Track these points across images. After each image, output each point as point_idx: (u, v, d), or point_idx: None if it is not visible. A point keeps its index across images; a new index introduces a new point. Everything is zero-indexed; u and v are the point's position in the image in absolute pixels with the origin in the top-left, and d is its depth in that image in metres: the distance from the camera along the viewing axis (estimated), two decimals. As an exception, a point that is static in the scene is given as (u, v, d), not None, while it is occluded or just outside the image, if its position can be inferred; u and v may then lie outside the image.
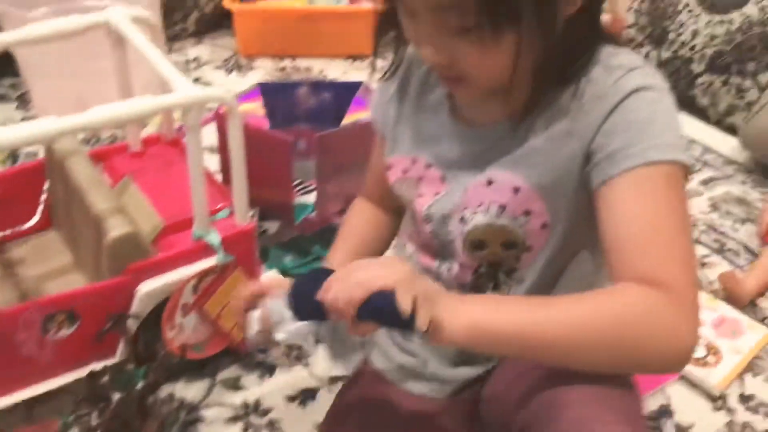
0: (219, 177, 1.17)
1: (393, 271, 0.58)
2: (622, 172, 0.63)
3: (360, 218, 0.88)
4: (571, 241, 0.71)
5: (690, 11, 1.65)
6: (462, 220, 0.72)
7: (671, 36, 1.68)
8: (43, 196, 1.09)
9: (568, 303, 0.61)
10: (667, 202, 0.63)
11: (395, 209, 0.85)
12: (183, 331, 0.95)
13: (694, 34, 1.64)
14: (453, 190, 0.73)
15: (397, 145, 0.77)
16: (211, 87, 1.61)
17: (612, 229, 0.63)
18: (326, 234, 1.14)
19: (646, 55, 1.72)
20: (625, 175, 0.63)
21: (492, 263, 0.73)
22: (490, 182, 0.69)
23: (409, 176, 0.76)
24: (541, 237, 0.70)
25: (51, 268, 1.05)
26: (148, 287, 0.91)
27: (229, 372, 1.04)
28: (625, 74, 0.65)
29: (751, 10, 1.56)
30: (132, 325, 0.92)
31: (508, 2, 0.58)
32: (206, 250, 0.94)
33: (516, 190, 0.68)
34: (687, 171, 0.64)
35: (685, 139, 0.65)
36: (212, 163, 1.19)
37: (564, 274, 0.73)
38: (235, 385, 1.03)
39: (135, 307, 0.91)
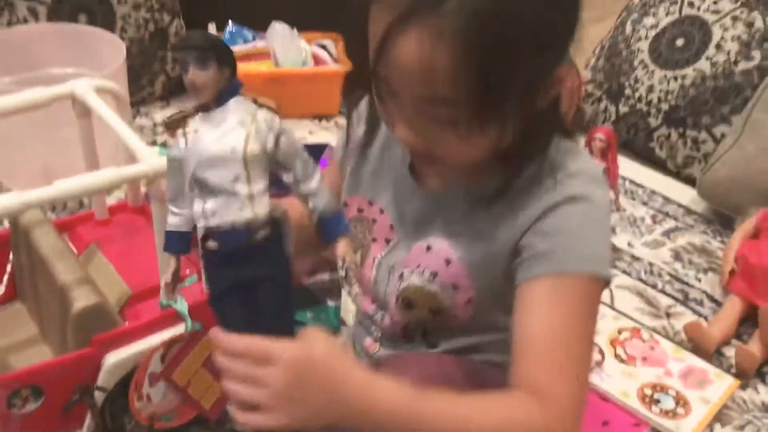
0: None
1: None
2: (541, 276, 0.65)
3: None
4: (495, 320, 0.72)
5: (645, 67, 1.71)
6: (401, 276, 0.73)
7: (627, 92, 1.73)
8: (8, 267, 1.08)
9: (460, 413, 0.61)
10: (576, 314, 0.65)
11: None
12: (151, 401, 0.94)
13: (650, 89, 1.69)
14: (400, 245, 0.74)
15: (357, 185, 0.78)
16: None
17: (519, 330, 0.65)
18: (296, 294, 1.14)
19: (605, 110, 1.77)
20: (543, 280, 0.65)
21: (420, 322, 0.74)
22: (429, 248, 0.71)
23: (364, 216, 0.77)
24: (466, 310, 0.71)
25: (16, 340, 1.03)
26: (115, 358, 0.90)
27: (199, 441, 1.02)
28: (567, 179, 0.67)
29: (703, 65, 1.62)
30: (99, 397, 0.91)
31: (498, 100, 0.60)
32: (174, 318, 0.93)
33: (448, 261, 0.70)
34: (605, 284, 0.67)
35: (610, 253, 0.69)
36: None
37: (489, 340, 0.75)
38: (205, 454, 1.01)
39: (101, 378, 0.90)
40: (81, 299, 0.88)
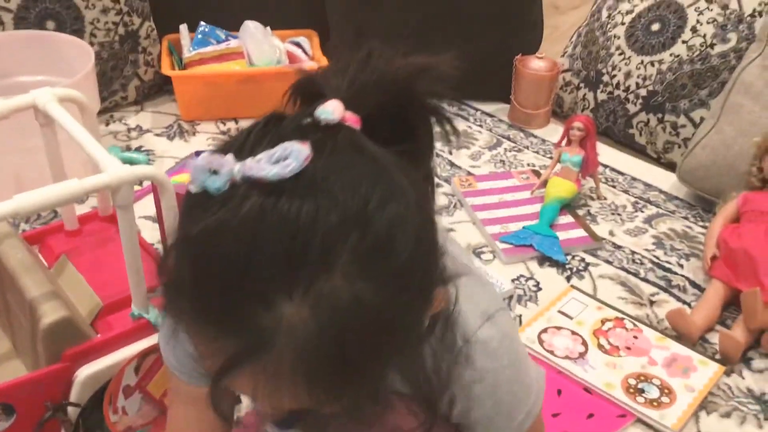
0: (160, 247, 1.15)
1: None
2: None
3: None
4: None
5: (622, 53, 1.70)
6: None
7: (605, 78, 1.72)
8: (-22, 282, 1.06)
9: None
10: None
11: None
12: (127, 414, 0.92)
13: (627, 75, 1.68)
14: None
15: None
16: (140, 165, 1.60)
17: None
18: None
19: (583, 98, 1.76)
20: None
21: None
22: None
23: None
24: None
25: (-12, 356, 1.01)
26: (88, 372, 0.88)
27: (179, 451, 1.01)
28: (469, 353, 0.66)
29: (679, 49, 1.61)
30: (72, 412, 0.89)
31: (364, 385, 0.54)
32: (147, 328, 0.92)
33: None
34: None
35: (532, 380, 0.72)
36: (155, 233, 1.17)
37: None
38: (185, 464, 0.99)
39: (74, 393, 0.88)
40: (49, 314, 0.86)
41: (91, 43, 1.59)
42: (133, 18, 1.69)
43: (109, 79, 1.68)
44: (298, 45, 1.81)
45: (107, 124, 1.69)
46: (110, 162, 0.83)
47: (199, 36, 1.77)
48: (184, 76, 1.71)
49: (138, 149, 1.63)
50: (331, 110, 0.52)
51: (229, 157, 0.50)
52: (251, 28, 1.76)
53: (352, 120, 0.53)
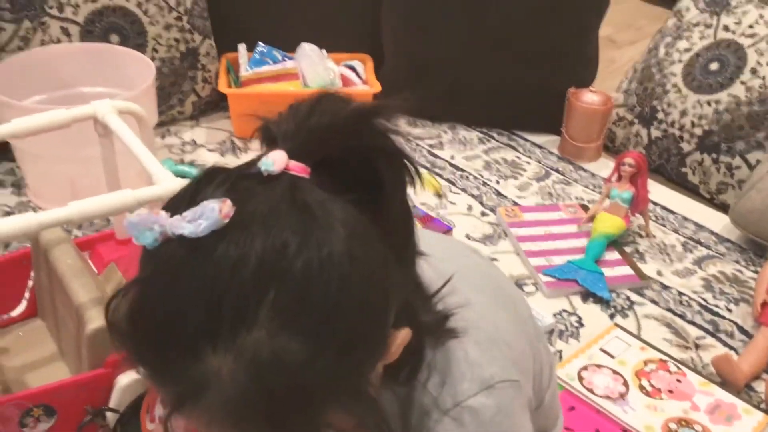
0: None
1: None
2: None
3: None
4: None
5: (678, 91, 1.68)
6: None
7: (660, 115, 1.70)
8: (30, 284, 1.09)
9: None
10: None
11: None
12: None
13: (683, 113, 1.66)
14: None
15: None
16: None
17: None
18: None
19: (636, 134, 1.74)
20: None
21: None
22: None
23: None
24: None
25: (35, 358, 1.04)
26: (128, 379, 0.90)
27: (212, 464, 1.01)
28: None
29: (737, 90, 1.59)
30: (111, 418, 0.90)
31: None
32: (188, 340, 0.93)
33: None
34: None
35: None
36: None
37: None
38: (217, 477, 1.00)
39: (113, 399, 0.90)
40: (95, 320, 0.88)
41: (153, 58, 1.63)
42: (195, 36, 1.73)
43: (167, 93, 1.72)
44: (352, 69, 1.83)
45: (163, 137, 1.73)
46: (164, 175, 0.85)
47: (257, 56, 1.80)
48: (240, 94, 1.74)
49: (191, 163, 1.66)
50: (272, 161, 0.52)
51: (162, 213, 0.51)
52: (307, 50, 1.79)
53: (297, 169, 0.53)
